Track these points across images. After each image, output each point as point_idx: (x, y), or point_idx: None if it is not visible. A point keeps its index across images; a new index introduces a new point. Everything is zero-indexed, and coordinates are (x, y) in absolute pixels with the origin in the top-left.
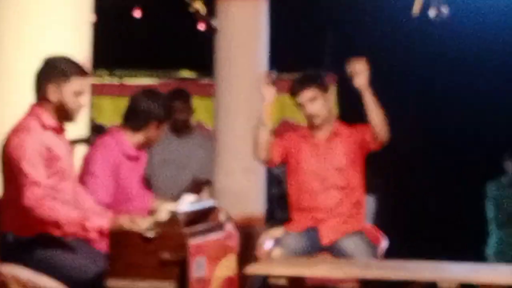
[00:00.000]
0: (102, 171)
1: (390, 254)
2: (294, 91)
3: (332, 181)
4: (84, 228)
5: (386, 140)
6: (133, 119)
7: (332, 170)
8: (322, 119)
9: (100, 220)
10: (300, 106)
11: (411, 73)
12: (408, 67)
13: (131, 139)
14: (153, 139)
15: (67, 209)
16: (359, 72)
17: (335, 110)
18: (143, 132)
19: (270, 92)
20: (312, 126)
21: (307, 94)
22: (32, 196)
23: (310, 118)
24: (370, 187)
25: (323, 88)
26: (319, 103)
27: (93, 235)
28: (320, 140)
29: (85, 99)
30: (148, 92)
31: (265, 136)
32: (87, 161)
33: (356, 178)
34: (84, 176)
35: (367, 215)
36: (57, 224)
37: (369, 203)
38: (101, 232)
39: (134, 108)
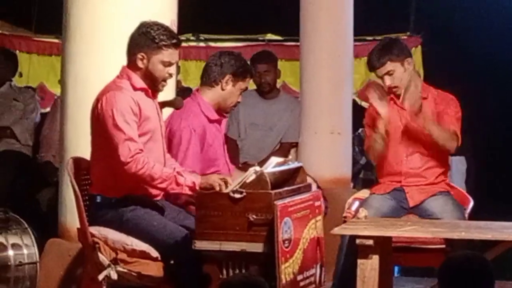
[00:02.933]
0: (190, 141)
1: (479, 214)
2: (371, 67)
3: (418, 145)
4: (177, 183)
5: (451, 151)
6: (209, 74)
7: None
8: (402, 88)
9: (192, 177)
10: (380, 77)
11: (499, 28)
12: (496, 22)
13: (209, 99)
14: (228, 98)
15: (160, 166)
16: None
17: (420, 73)
18: (219, 87)
19: (383, 106)
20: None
21: (383, 70)
22: (126, 151)
23: (391, 90)
24: (460, 148)
25: (398, 59)
26: (397, 75)
27: (185, 190)
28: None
29: (173, 69)
30: (222, 51)
31: (380, 146)
32: (172, 131)
33: None
34: (171, 147)
35: (459, 175)
36: (151, 179)
37: (460, 163)
38: (193, 188)
39: (209, 65)
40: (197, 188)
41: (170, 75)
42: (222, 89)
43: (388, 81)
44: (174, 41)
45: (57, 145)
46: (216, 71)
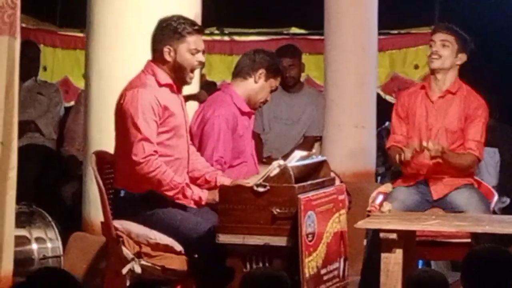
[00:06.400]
0: (222, 129)
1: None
2: (435, 29)
3: (441, 140)
4: (184, 195)
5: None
6: (242, 68)
7: (440, 130)
8: (440, 64)
9: (200, 192)
10: (431, 42)
11: None
12: None
13: (242, 92)
14: (260, 92)
15: (172, 173)
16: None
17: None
18: (252, 79)
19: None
20: (429, 81)
21: (442, 36)
22: (140, 152)
23: (430, 57)
24: (493, 140)
25: (459, 44)
26: (447, 51)
27: (191, 203)
28: (435, 97)
29: (202, 56)
30: (258, 49)
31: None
32: (204, 119)
33: (462, 143)
34: (203, 135)
35: (491, 166)
36: (159, 184)
37: (493, 155)
38: (198, 203)
39: (243, 59)
40: (203, 203)
41: (199, 63)
42: (255, 82)
43: (437, 47)
44: (196, 27)
45: (81, 138)
46: (250, 65)
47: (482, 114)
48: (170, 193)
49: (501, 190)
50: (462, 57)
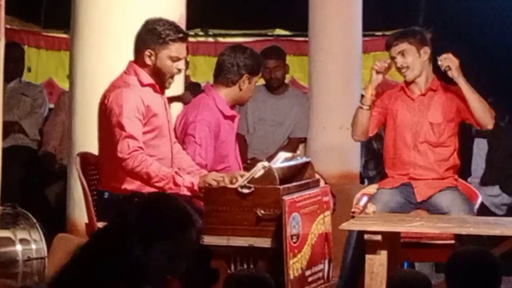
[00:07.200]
0: (204, 134)
1: None
2: (387, 45)
3: (424, 136)
4: (175, 183)
5: (489, 127)
6: (225, 74)
7: (425, 125)
8: (414, 74)
9: (190, 177)
10: (392, 59)
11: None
12: (509, 16)
13: (225, 96)
14: (245, 95)
15: (158, 164)
16: (450, 65)
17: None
18: (236, 87)
19: (378, 77)
20: (408, 82)
21: (397, 48)
22: (125, 148)
23: (400, 71)
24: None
25: (416, 44)
26: (410, 57)
27: (183, 191)
28: (416, 94)
29: (182, 64)
30: (235, 47)
31: (365, 117)
32: (187, 122)
33: (450, 135)
34: (185, 138)
35: (480, 156)
36: (148, 177)
37: (482, 145)
38: (191, 189)
39: (224, 63)
40: (196, 188)
41: (179, 71)
42: (240, 89)
43: (399, 60)
44: (181, 35)
45: (58, 138)
46: (232, 72)
47: None
48: (161, 184)
49: (493, 180)
50: (426, 50)
